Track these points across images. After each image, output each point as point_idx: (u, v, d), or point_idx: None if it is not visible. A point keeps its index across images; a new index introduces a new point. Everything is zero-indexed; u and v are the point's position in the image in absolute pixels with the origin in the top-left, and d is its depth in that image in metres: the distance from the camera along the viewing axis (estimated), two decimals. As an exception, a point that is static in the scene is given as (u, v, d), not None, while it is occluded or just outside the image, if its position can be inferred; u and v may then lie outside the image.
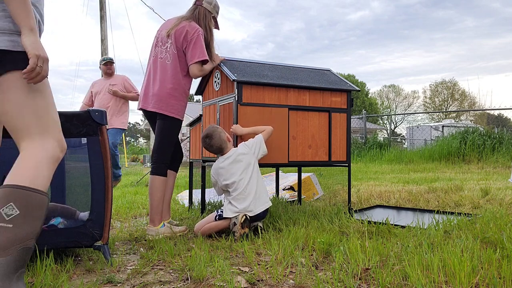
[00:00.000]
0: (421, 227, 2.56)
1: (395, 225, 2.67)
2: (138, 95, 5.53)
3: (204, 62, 2.85)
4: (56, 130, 1.56)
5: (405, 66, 72.54)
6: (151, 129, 3.14)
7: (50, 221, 2.05)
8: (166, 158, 2.83)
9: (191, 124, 3.80)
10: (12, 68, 1.47)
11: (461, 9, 67.10)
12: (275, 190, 4.00)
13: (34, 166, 1.45)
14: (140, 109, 2.94)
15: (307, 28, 77.07)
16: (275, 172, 4.13)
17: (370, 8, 71.56)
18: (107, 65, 5.55)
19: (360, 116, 12.81)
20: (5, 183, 1.43)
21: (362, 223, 2.78)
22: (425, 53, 70.93)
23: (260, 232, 2.58)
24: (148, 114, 2.93)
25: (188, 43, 2.79)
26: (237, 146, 2.79)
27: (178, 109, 2.84)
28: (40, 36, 1.64)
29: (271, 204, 2.75)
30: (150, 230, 2.69)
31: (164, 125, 2.82)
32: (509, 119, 25.17)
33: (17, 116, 1.49)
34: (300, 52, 78.76)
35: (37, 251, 1.92)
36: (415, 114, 42.02)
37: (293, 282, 1.70)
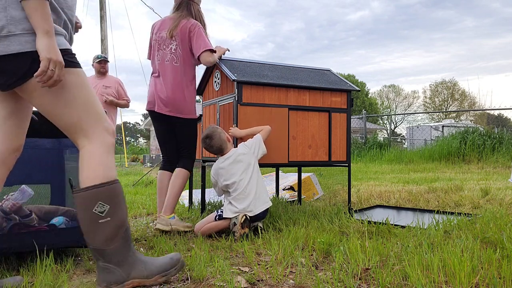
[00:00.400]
0: (421, 227, 2.56)
1: (395, 225, 2.67)
2: (129, 102, 5.48)
3: (211, 51, 2.91)
4: (102, 118, 1.63)
5: (405, 66, 72.82)
6: (152, 128, 3.18)
7: (52, 221, 2.06)
8: (193, 154, 3.00)
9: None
10: None
11: (461, 9, 67.28)
12: (275, 190, 4.00)
13: (99, 162, 1.57)
14: (151, 111, 2.97)
15: (307, 28, 77.35)
16: (275, 172, 4.12)
17: (370, 8, 71.84)
18: (101, 64, 5.26)
19: (360, 116, 12.81)
20: (82, 185, 1.56)
21: (362, 223, 2.78)
22: (425, 53, 71.26)
23: (260, 232, 2.57)
24: (161, 116, 2.95)
25: (191, 38, 2.87)
26: (237, 147, 2.79)
27: (193, 109, 2.97)
28: (71, 41, 1.65)
29: (271, 204, 2.75)
30: (162, 219, 2.77)
31: (185, 126, 2.94)
32: (509, 119, 25.17)
33: (63, 114, 1.55)
34: (300, 52, 79.06)
35: (37, 251, 1.92)
36: (415, 114, 42.02)
37: (293, 282, 1.70)
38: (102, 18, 12.22)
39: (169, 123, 2.96)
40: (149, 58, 3.10)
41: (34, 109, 1.71)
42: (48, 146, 2.05)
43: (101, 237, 1.55)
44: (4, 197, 1.99)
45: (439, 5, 68.67)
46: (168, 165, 3.02)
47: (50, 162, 2.09)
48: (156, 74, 2.97)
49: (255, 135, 2.81)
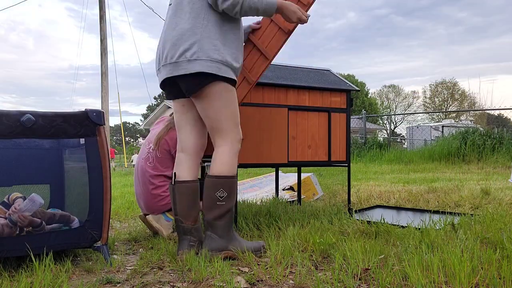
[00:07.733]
0: (421, 227, 2.55)
1: (395, 225, 2.67)
2: None
3: None
4: (237, 128, 2.12)
5: (388, 71, 77.24)
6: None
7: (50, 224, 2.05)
8: None
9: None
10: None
11: (433, 18, 72.01)
12: (275, 190, 4.00)
13: (228, 160, 2.05)
14: None
15: (291, 36, 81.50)
16: (274, 172, 4.12)
17: (347, 18, 76.48)
18: None
19: (360, 116, 12.82)
20: (210, 173, 2.05)
21: (362, 223, 2.77)
22: (406, 59, 76.34)
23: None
24: None
25: None
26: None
27: None
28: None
29: None
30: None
31: None
32: (509, 119, 25.14)
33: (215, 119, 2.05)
34: (285, 57, 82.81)
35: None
36: (415, 114, 42.04)
37: (293, 282, 1.69)
38: (102, 18, 12.23)
39: None
40: None
41: (31, 109, 1.70)
42: (47, 146, 2.04)
43: (215, 214, 2.04)
44: (12, 202, 1.97)
45: (412, 15, 72.28)
46: None
47: (50, 162, 2.08)
48: None
49: None
